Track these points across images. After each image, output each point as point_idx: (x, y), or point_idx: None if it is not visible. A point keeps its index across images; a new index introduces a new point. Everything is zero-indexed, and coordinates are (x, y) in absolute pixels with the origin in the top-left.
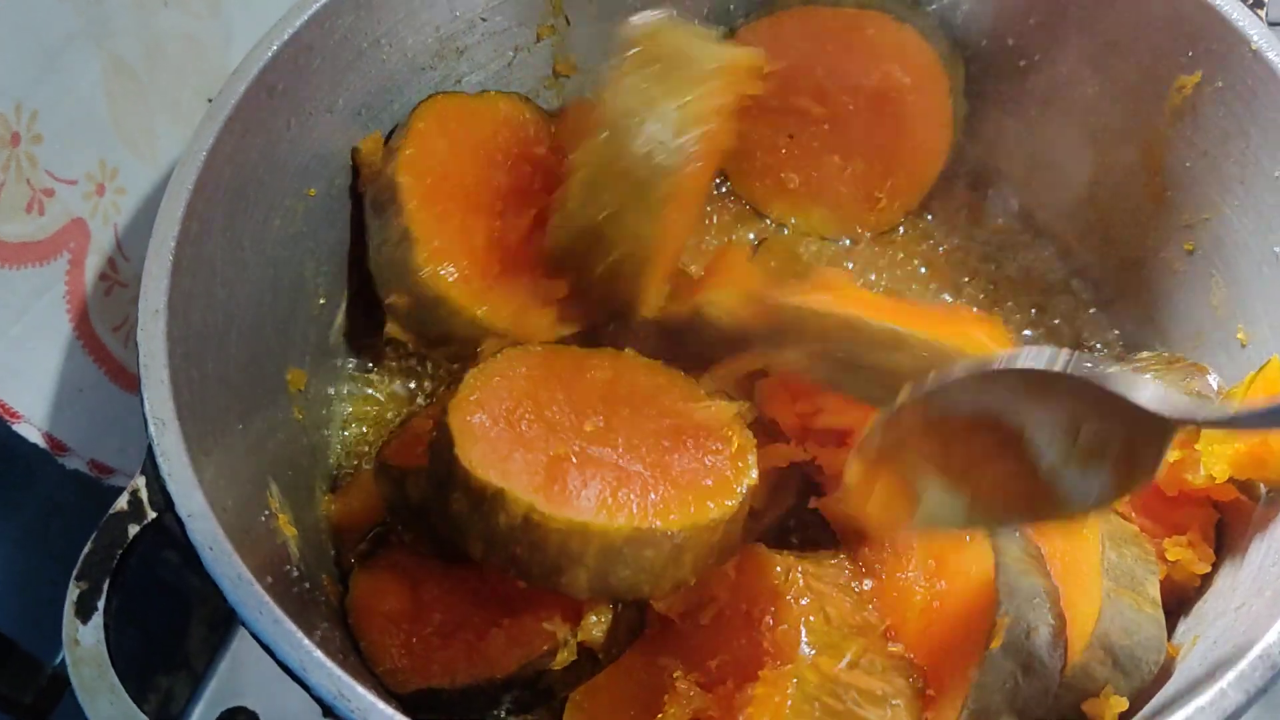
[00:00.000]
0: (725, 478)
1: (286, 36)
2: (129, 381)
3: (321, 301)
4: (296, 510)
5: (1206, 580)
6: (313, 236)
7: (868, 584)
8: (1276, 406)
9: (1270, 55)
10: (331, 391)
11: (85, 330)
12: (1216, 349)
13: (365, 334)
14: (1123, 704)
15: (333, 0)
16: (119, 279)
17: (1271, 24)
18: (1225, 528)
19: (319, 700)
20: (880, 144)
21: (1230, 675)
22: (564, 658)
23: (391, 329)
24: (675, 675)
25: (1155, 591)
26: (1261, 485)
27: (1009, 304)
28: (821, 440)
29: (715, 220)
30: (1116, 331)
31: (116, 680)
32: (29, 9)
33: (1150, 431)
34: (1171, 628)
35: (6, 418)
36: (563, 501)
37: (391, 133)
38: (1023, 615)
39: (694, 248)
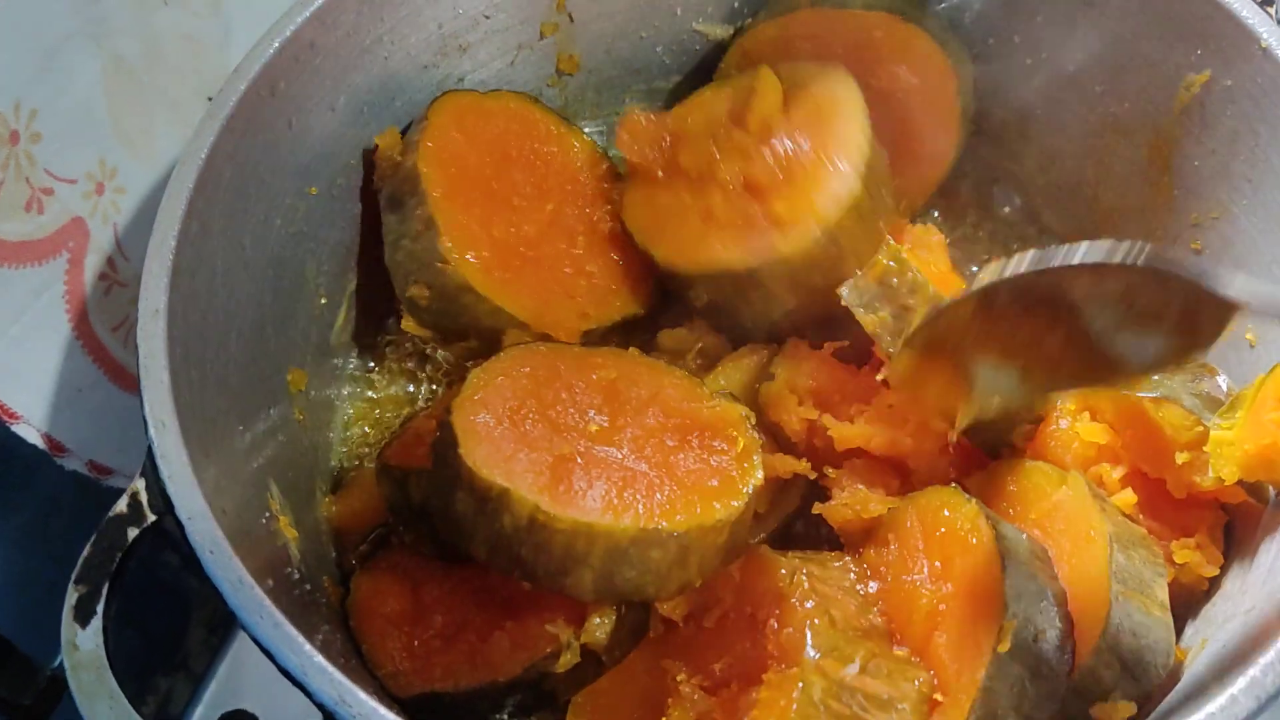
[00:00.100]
0: (731, 478)
1: (288, 34)
2: (128, 382)
3: (323, 301)
4: (297, 512)
5: (1214, 583)
6: (314, 236)
7: (873, 586)
8: None
9: None
10: (332, 392)
11: (84, 330)
12: (1225, 349)
13: (367, 334)
14: (1131, 708)
15: None
16: (118, 278)
17: None
18: (1233, 530)
19: (319, 705)
20: (888, 144)
21: (1241, 681)
22: (567, 660)
23: (408, 325)
24: (679, 678)
25: (1164, 594)
26: (1270, 488)
27: None
28: (825, 455)
29: None
30: None
31: (115, 685)
32: (28, 7)
33: (1215, 308)
34: (1179, 630)
35: (5, 418)
36: (568, 502)
37: (405, 130)
38: (1030, 618)
39: None
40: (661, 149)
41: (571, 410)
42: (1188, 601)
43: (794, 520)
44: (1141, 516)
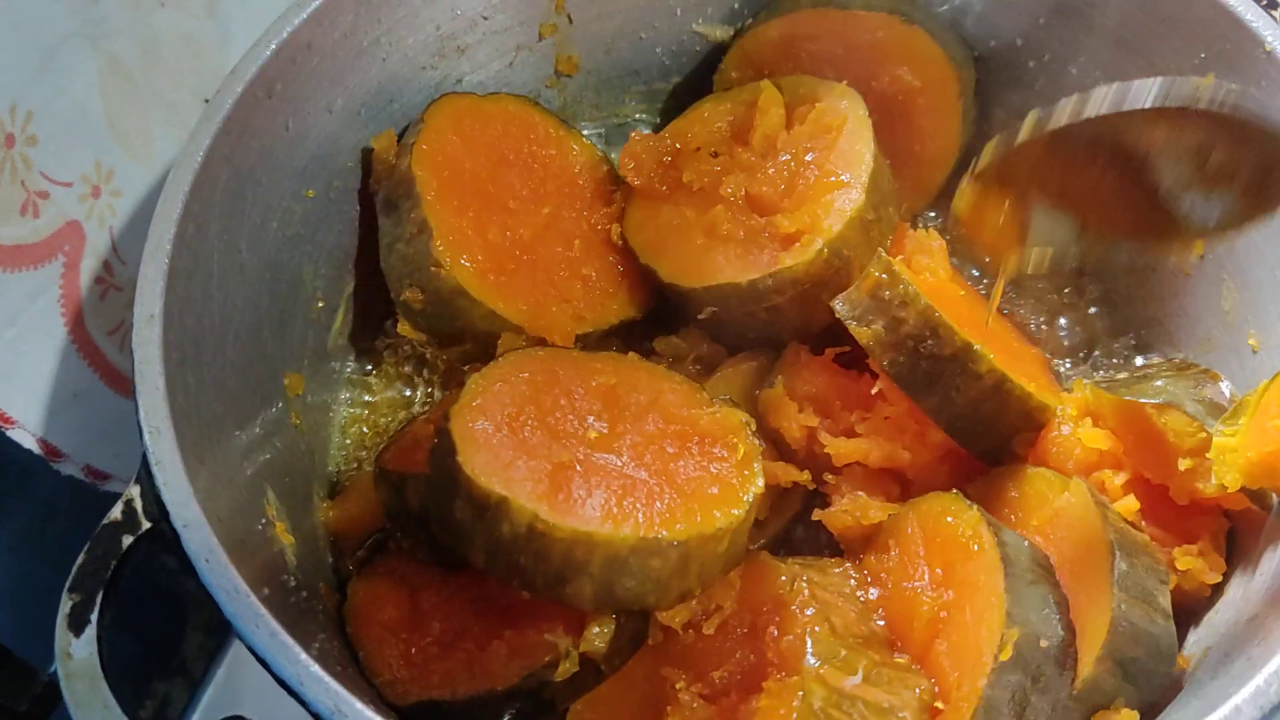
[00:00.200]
0: (731, 486)
1: (285, 36)
2: (124, 386)
3: (320, 304)
4: (294, 517)
5: (1217, 590)
6: (311, 239)
7: (874, 593)
8: None
9: None
10: (329, 396)
11: (80, 334)
12: (1228, 354)
13: (364, 337)
14: (1133, 717)
15: None
16: (114, 282)
17: None
18: (1236, 537)
19: (315, 715)
20: (889, 147)
21: (1245, 691)
22: (566, 669)
23: (403, 329)
24: (678, 686)
25: (1166, 602)
26: (1274, 495)
27: (1019, 305)
28: (825, 461)
29: None
30: (1128, 336)
31: (109, 695)
32: (24, 9)
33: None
34: (1181, 637)
35: (0, 423)
36: (567, 510)
37: (403, 132)
38: (1032, 626)
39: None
40: (663, 166)
41: (570, 416)
42: (1190, 608)
43: (794, 526)
44: (1144, 523)
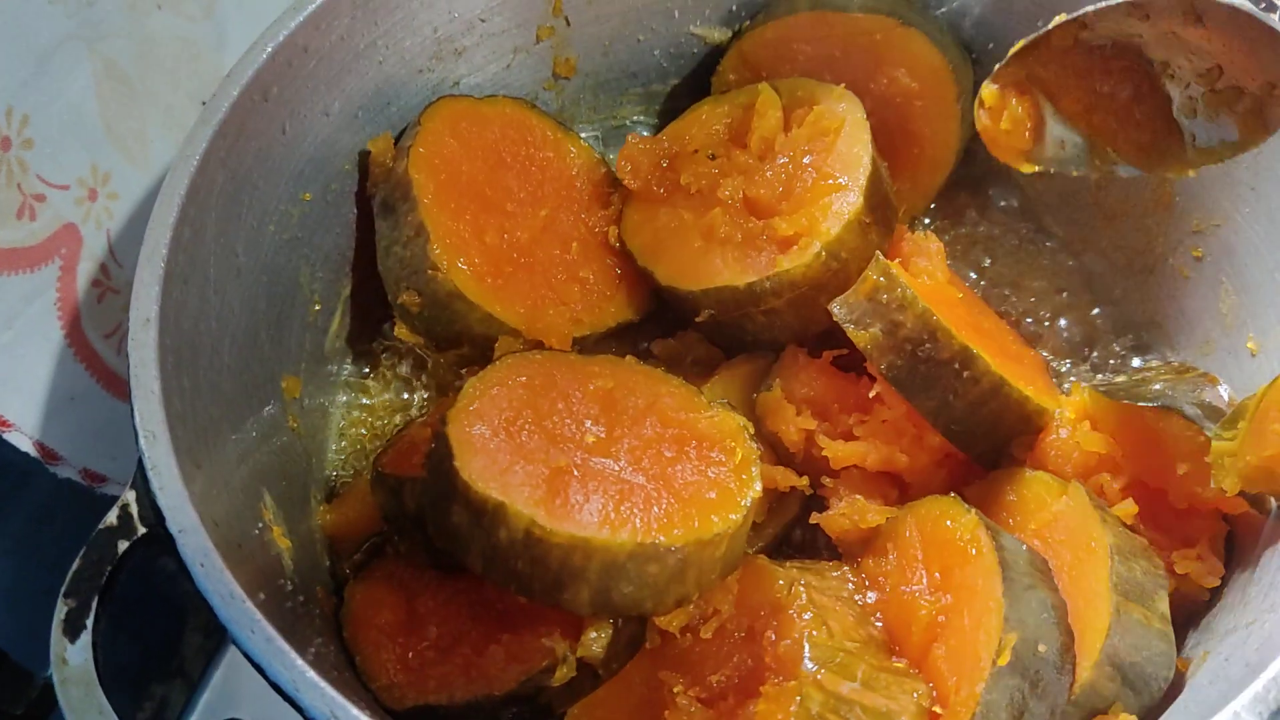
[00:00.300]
0: (729, 490)
1: (281, 39)
2: (121, 389)
3: (317, 308)
4: (290, 521)
5: (1216, 594)
6: (308, 242)
7: (871, 596)
8: None
9: None
10: (327, 399)
11: (77, 337)
12: (1226, 358)
13: (361, 340)
14: None
15: (329, 2)
16: (111, 285)
17: None
18: (1235, 541)
19: None
20: (887, 149)
21: (1244, 697)
22: (563, 674)
23: (400, 332)
24: (676, 690)
25: (1165, 607)
26: (1272, 499)
27: (1017, 308)
28: (823, 464)
29: None
30: (1126, 337)
31: (105, 701)
32: (19, 12)
33: None
34: (1180, 641)
35: None
36: (564, 516)
37: (400, 135)
38: (1030, 630)
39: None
40: (661, 169)
41: (568, 420)
42: (1189, 612)
43: (791, 529)
44: (1142, 527)
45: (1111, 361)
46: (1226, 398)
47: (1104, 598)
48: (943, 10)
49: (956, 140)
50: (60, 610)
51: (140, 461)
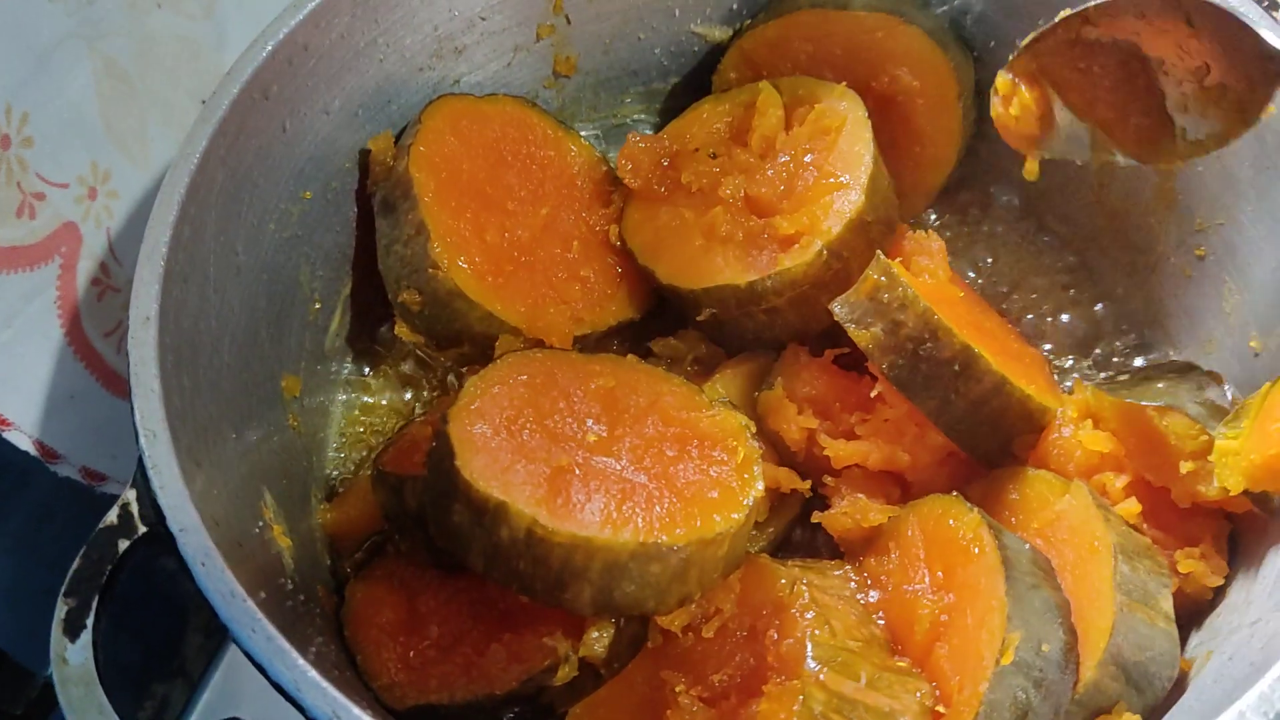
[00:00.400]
0: (731, 489)
1: (281, 37)
2: (121, 388)
3: (317, 306)
4: (291, 520)
5: (1219, 593)
6: (308, 240)
7: (874, 595)
8: None
9: None
10: (327, 398)
11: (77, 336)
12: (1229, 356)
13: (362, 339)
14: None
15: (329, 0)
16: (111, 283)
17: None
18: (1238, 540)
19: None
20: (888, 148)
21: (1250, 697)
22: (565, 674)
23: (401, 330)
24: (678, 690)
25: (1168, 606)
26: (1276, 498)
27: (1019, 306)
28: (824, 463)
29: None
30: (1129, 336)
31: (105, 700)
32: (19, 10)
33: (1263, 79)
34: (1183, 640)
35: None
36: (566, 515)
37: (400, 134)
38: (1033, 630)
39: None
40: (662, 168)
41: (569, 419)
42: (1192, 612)
43: (793, 528)
44: (1145, 526)
45: (1114, 360)
46: (1230, 396)
47: (1107, 597)
48: (944, 8)
49: (958, 138)
50: (60, 609)
51: (140, 460)
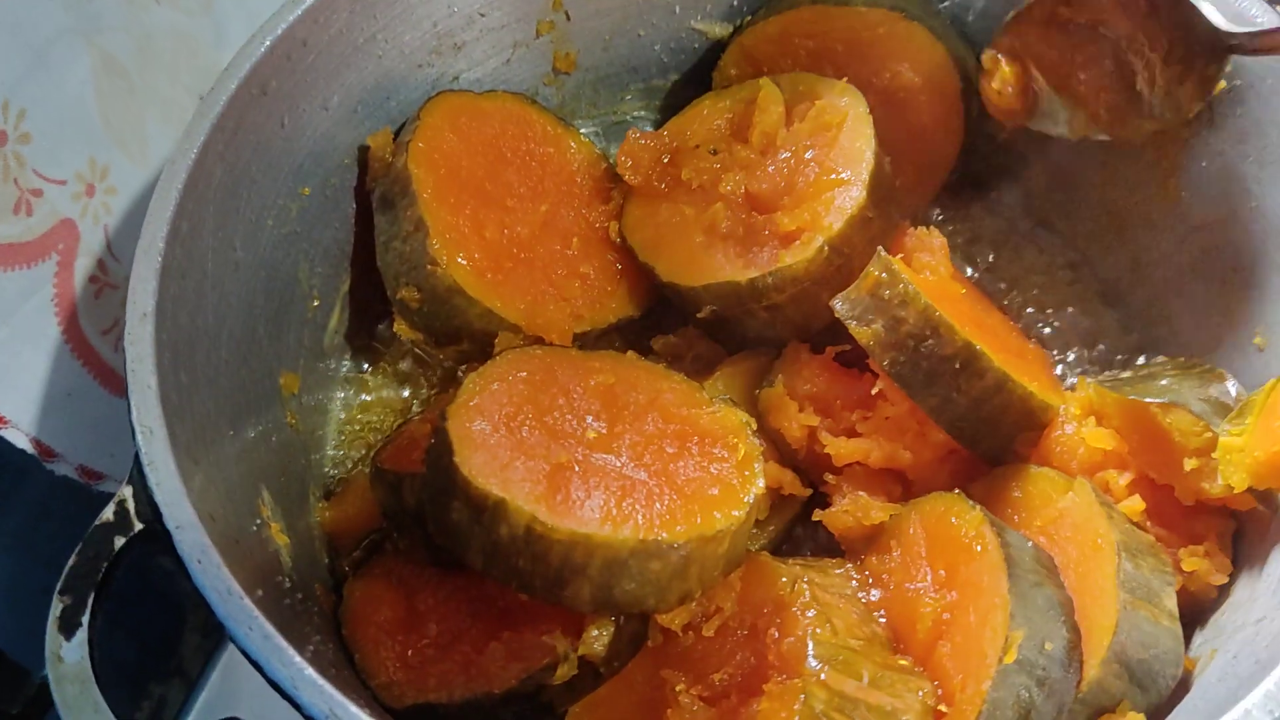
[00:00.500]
0: (731, 487)
1: (279, 32)
2: (119, 386)
3: (315, 303)
4: (289, 518)
5: (1224, 591)
6: (307, 237)
7: (875, 594)
8: None
9: None
10: (325, 395)
11: (74, 334)
12: (1232, 353)
13: (360, 336)
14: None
15: None
16: (109, 281)
17: None
18: (1243, 538)
19: (310, 719)
20: (890, 145)
21: (1256, 695)
22: (564, 672)
23: (400, 327)
24: (678, 689)
25: (1172, 604)
26: None
27: (1021, 303)
28: (825, 461)
29: None
30: (1132, 333)
31: (100, 698)
32: (17, 5)
33: (1214, 56)
34: (1187, 639)
35: None
36: (566, 512)
37: (399, 130)
38: (1036, 628)
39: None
40: (662, 164)
41: (569, 416)
42: (1196, 610)
43: (794, 526)
44: (1149, 524)
45: (1117, 357)
46: (1234, 393)
47: (1111, 595)
48: (945, 4)
49: (959, 135)
50: (56, 607)
51: (137, 457)
